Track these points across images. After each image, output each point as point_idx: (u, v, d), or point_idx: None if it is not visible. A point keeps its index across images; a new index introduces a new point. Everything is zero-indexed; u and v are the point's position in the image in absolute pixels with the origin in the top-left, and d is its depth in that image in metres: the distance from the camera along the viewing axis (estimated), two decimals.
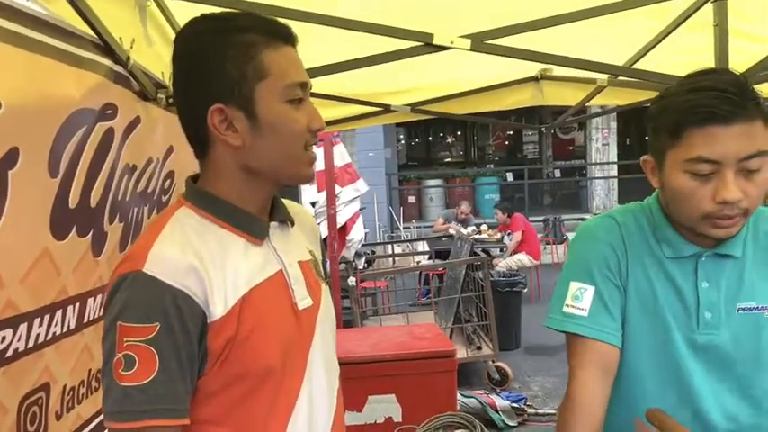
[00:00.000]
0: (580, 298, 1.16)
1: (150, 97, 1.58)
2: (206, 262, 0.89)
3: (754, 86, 1.06)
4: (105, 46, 1.33)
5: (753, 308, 1.14)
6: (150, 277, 0.84)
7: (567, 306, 1.16)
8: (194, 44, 0.93)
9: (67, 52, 1.19)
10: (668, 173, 1.08)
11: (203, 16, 0.95)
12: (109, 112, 1.35)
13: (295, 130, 0.93)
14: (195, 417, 0.89)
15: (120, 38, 1.40)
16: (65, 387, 1.27)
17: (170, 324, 0.84)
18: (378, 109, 2.96)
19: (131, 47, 1.45)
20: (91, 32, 1.28)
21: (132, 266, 0.86)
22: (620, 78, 2.56)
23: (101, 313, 1.36)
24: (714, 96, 1.00)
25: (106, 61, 1.35)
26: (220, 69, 0.90)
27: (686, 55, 2.23)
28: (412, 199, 12.81)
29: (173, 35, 1.78)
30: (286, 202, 1.08)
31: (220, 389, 0.90)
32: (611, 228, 1.20)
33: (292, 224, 1.06)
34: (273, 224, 1.01)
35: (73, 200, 1.24)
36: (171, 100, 1.67)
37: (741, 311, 1.14)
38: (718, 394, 1.15)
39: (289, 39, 0.95)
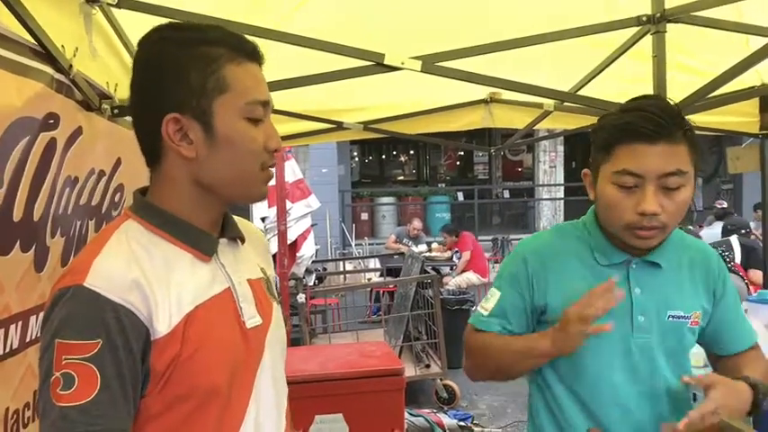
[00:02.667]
0: (489, 300, 1.34)
1: (94, 107, 1.53)
2: (150, 277, 0.86)
3: (690, 116, 1.15)
4: (46, 53, 1.29)
5: (680, 316, 1.26)
6: (92, 291, 0.81)
7: (480, 307, 1.36)
8: (157, 50, 0.91)
9: (7, 59, 1.14)
10: (600, 184, 1.20)
11: (170, 24, 0.94)
12: (51, 121, 1.30)
13: (251, 149, 0.92)
14: None
15: (63, 46, 1.36)
16: (7, 410, 1.21)
17: (112, 341, 0.80)
18: (331, 126, 2.97)
19: (74, 55, 1.41)
20: (31, 39, 1.24)
21: (73, 280, 0.82)
22: (566, 104, 2.64)
23: None
24: (641, 117, 1.12)
25: (48, 69, 1.30)
26: (181, 78, 0.88)
27: (629, 83, 2.33)
28: (364, 216, 12.81)
29: (120, 45, 1.74)
30: (236, 219, 1.06)
31: (163, 411, 0.86)
32: (529, 243, 1.36)
33: (243, 241, 1.03)
34: (223, 241, 0.99)
35: (17, 213, 1.18)
36: (116, 111, 1.63)
37: (671, 318, 1.25)
38: (645, 394, 1.25)
39: (254, 56, 0.94)
